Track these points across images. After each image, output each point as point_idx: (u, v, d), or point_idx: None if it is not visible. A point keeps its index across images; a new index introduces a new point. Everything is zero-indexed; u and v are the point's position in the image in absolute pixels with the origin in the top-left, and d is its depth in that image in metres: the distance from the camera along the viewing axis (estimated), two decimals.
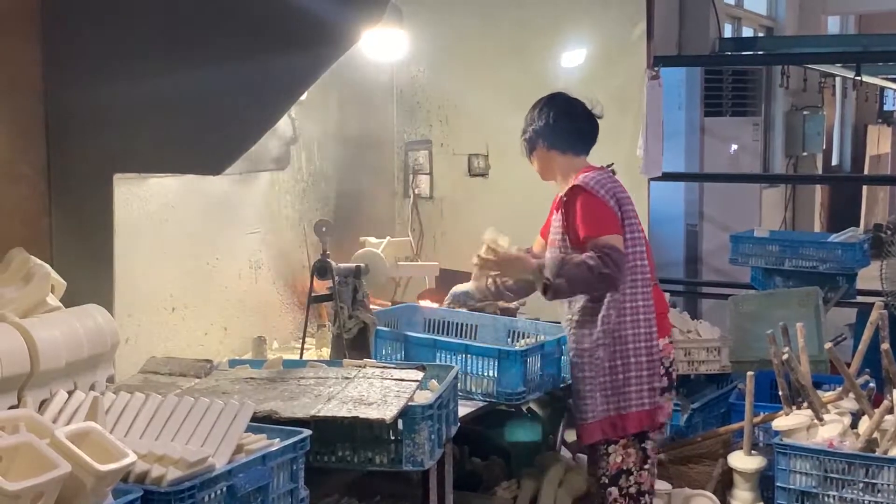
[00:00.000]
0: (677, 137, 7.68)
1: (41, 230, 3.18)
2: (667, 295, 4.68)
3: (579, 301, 3.78)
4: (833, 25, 12.98)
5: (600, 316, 3.73)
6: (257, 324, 4.37)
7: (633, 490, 3.81)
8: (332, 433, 2.89)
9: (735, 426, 4.61)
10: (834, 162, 13.65)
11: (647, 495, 3.86)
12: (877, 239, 6.12)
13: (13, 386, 2.57)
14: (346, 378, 3.15)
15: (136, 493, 2.18)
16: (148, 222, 3.83)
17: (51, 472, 1.96)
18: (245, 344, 4.26)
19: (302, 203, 4.70)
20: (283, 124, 4.41)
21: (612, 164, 3.92)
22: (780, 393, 4.24)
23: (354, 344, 3.79)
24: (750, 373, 4.37)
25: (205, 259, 4.16)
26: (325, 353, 4.10)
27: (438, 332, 4.33)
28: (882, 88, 13.18)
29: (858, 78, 7.70)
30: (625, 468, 3.80)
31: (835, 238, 5.92)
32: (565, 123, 3.86)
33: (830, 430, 3.99)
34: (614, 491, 3.81)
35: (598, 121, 3.93)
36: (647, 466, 3.85)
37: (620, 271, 3.63)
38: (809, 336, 4.52)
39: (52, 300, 2.85)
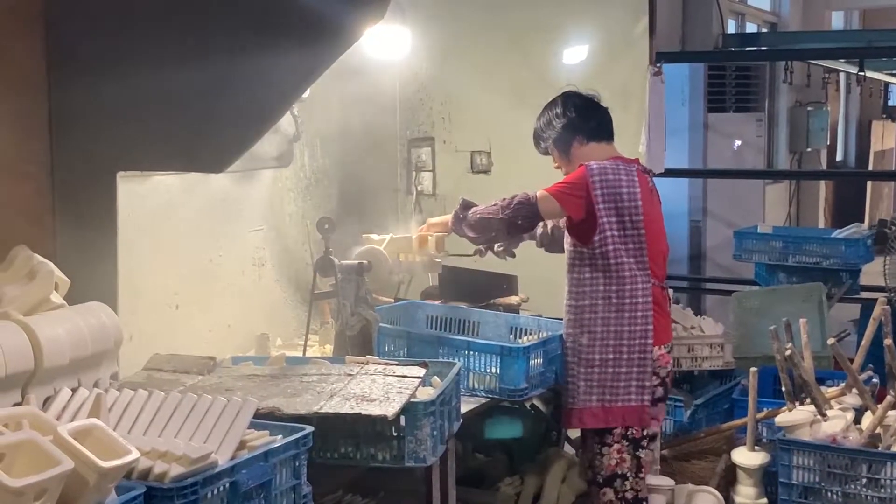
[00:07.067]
0: (681, 133, 7.67)
1: (45, 228, 3.18)
2: (670, 291, 4.68)
3: (573, 288, 3.82)
4: (837, 21, 12.96)
5: (587, 304, 3.79)
6: (261, 321, 4.38)
7: (629, 495, 3.83)
8: (334, 430, 2.90)
9: (738, 422, 4.62)
10: (838, 158, 13.64)
11: (644, 502, 3.88)
12: (881, 234, 6.11)
13: (17, 383, 2.57)
14: (349, 375, 3.16)
15: (139, 490, 2.18)
16: (151, 220, 3.84)
17: (53, 469, 1.97)
18: (248, 341, 4.26)
19: (305, 200, 4.71)
20: (286, 122, 4.42)
21: (650, 170, 4.00)
22: (784, 389, 4.24)
23: (357, 341, 3.79)
24: (753, 369, 4.38)
25: (208, 256, 4.17)
26: (329, 349, 4.10)
27: (441, 329, 4.34)
28: (886, 84, 13.14)
29: (862, 73, 7.69)
30: (619, 472, 3.82)
31: (838, 234, 5.91)
32: (591, 113, 3.94)
33: (833, 426, 3.99)
34: (609, 492, 3.83)
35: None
36: (642, 474, 3.86)
37: (514, 213, 3.77)
38: (813, 332, 4.52)
39: (56, 298, 2.86)
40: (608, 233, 3.74)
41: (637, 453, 3.84)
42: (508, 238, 3.95)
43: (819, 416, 4.07)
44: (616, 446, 3.81)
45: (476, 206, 3.94)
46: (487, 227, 3.86)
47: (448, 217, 4.06)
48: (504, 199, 3.83)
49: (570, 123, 3.91)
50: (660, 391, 3.85)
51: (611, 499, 3.82)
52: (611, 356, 3.77)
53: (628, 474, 3.82)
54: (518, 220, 3.81)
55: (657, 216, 3.92)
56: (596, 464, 3.85)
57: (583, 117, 3.92)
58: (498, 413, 4.22)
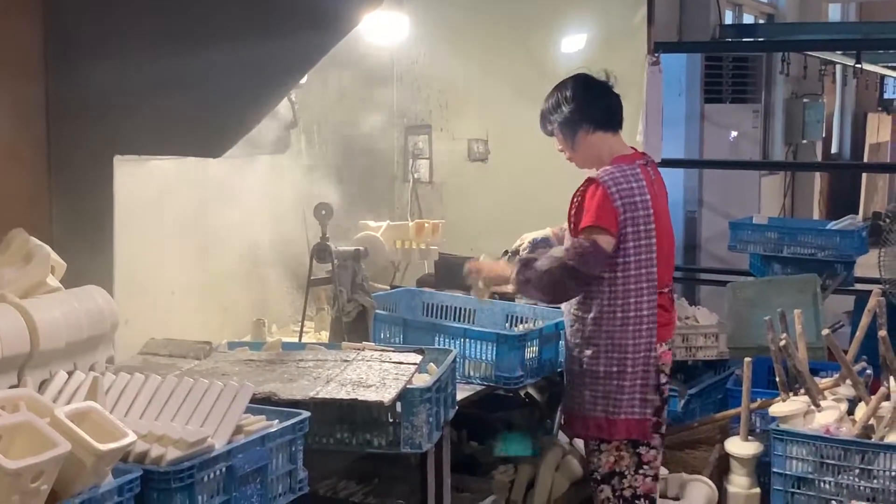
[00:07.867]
0: (677, 124, 7.66)
1: (42, 212, 3.19)
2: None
3: (579, 299, 3.71)
4: (834, 13, 12.96)
5: (591, 317, 3.67)
6: (256, 306, 4.38)
7: (627, 493, 3.72)
8: (330, 415, 2.91)
9: (732, 412, 4.63)
10: (833, 150, 13.65)
11: (642, 499, 3.74)
12: (875, 227, 6.12)
13: (13, 366, 2.58)
14: (345, 361, 3.16)
15: (136, 473, 2.19)
16: (148, 204, 3.84)
17: (51, 451, 1.97)
18: (244, 326, 4.27)
19: (301, 186, 4.70)
20: (283, 108, 4.41)
21: (650, 159, 3.87)
22: (778, 379, 4.25)
23: (353, 327, 3.81)
24: (747, 359, 4.39)
25: (204, 241, 4.17)
26: (324, 336, 4.11)
27: (437, 317, 4.34)
28: (882, 76, 13.18)
29: (859, 65, 7.68)
30: (617, 470, 3.71)
31: (833, 225, 5.92)
32: (600, 100, 3.78)
33: (827, 417, 4.01)
34: (606, 489, 3.73)
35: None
36: (643, 471, 3.73)
37: (588, 266, 3.56)
38: (807, 323, 4.52)
39: (53, 281, 2.86)
40: (617, 245, 3.60)
41: (637, 450, 3.73)
42: (580, 290, 3.65)
43: (813, 407, 4.08)
44: (615, 443, 3.71)
45: (535, 259, 3.69)
46: (555, 280, 3.61)
47: (504, 271, 3.85)
48: (557, 252, 3.62)
49: (577, 109, 3.73)
50: (664, 379, 3.77)
51: (608, 496, 3.73)
52: (615, 369, 3.66)
53: (626, 472, 3.72)
54: (590, 260, 3.56)
55: (663, 209, 3.78)
56: (594, 460, 3.76)
57: (592, 104, 3.75)
58: (494, 401, 4.23)
